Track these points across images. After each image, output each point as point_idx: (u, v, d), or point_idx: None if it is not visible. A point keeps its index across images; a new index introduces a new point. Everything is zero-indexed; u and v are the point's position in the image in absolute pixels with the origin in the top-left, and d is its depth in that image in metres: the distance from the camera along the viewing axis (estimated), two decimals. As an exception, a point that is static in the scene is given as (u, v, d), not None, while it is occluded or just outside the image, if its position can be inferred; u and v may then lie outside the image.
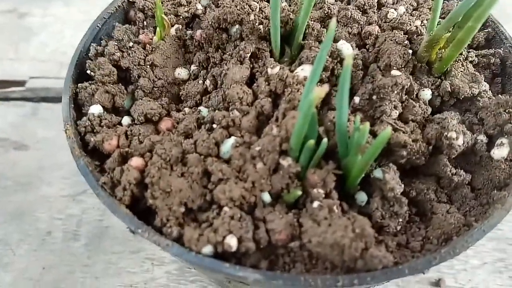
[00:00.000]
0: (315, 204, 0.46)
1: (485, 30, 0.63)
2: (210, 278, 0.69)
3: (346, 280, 0.41)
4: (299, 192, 0.47)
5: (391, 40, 0.54)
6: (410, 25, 0.57)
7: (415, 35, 0.56)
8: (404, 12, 0.61)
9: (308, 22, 0.56)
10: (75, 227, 0.82)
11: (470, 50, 0.61)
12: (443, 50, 0.53)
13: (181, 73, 0.59)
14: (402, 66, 0.53)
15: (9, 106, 0.97)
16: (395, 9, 0.60)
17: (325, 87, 0.42)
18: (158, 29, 0.59)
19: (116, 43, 0.58)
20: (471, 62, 0.58)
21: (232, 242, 0.45)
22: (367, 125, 0.44)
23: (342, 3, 0.62)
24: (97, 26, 0.62)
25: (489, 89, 0.58)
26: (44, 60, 1.04)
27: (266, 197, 0.48)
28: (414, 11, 0.63)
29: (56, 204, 0.85)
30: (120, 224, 0.72)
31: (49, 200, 0.85)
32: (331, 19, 0.60)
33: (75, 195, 0.86)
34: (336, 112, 0.45)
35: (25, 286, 0.76)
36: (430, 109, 0.54)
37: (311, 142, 0.45)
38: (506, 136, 0.51)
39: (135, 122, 0.55)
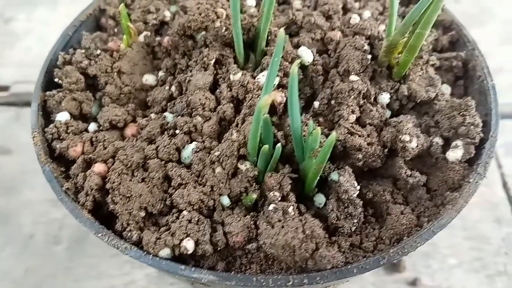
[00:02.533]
0: (271, 206, 0.47)
1: (449, 34, 0.64)
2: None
3: (296, 280, 0.43)
4: (255, 196, 0.49)
5: (351, 46, 0.55)
6: (372, 30, 0.58)
7: (377, 40, 0.57)
8: (369, 17, 0.62)
9: (270, 29, 0.57)
10: (57, 230, 0.84)
11: (433, 53, 0.62)
12: (401, 55, 0.54)
13: (149, 79, 0.60)
14: (361, 71, 0.54)
15: (-7, 111, 0.99)
16: (359, 15, 0.61)
17: (274, 94, 0.43)
18: (125, 36, 0.60)
19: (83, 51, 0.59)
20: (432, 65, 0.59)
21: (188, 245, 0.46)
22: (318, 129, 0.45)
23: (308, 8, 0.63)
24: (68, 34, 0.63)
25: (451, 92, 0.60)
26: (29, 65, 1.04)
27: (225, 201, 0.50)
28: (379, 16, 0.64)
29: (39, 208, 0.86)
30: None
31: (32, 204, 0.87)
32: (296, 25, 0.61)
33: (57, 199, 0.87)
34: (289, 117, 0.46)
35: (6, 288, 0.78)
36: (389, 113, 0.55)
37: (266, 147, 0.47)
38: (460, 138, 0.52)
39: (101, 128, 0.56)
